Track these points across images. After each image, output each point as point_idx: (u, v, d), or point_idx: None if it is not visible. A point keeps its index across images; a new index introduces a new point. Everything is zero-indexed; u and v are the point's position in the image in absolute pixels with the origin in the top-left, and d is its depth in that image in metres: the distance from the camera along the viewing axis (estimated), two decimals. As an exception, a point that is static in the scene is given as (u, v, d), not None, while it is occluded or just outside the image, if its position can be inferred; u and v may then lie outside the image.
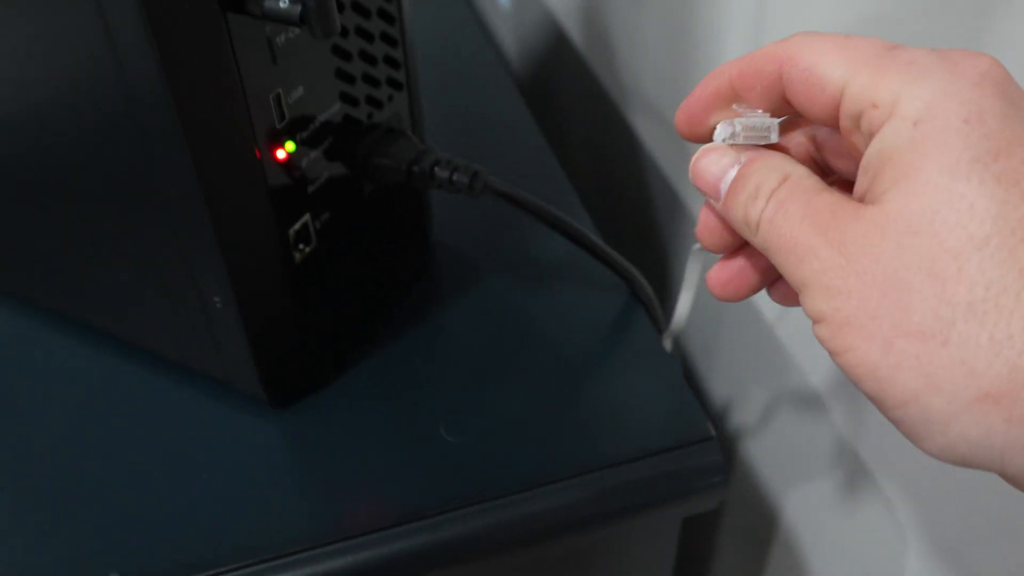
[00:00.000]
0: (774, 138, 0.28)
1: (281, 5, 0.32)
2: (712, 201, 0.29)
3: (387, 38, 0.41)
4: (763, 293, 0.31)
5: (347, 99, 0.40)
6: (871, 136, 0.25)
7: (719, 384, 0.64)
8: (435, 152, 0.43)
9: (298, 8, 0.32)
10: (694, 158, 0.29)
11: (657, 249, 0.70)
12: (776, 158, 0.27)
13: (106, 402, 0.46)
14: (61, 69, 0.35)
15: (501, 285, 0.51)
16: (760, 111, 0.28)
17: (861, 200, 0.25)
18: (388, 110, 0.43)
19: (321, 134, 0.39)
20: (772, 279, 0.30)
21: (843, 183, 0.28)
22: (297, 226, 0.40)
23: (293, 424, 0.45)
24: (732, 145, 0.28)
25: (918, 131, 0.23)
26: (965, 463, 0.23)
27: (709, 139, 0.29)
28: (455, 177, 0.42)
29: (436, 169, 0.42)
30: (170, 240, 0.38)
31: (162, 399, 0.46)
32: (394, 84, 0.43)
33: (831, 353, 0.25)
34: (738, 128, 0.28)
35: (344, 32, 0.39)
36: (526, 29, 0.92)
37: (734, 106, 0.29)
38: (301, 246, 0.41)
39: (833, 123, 0.26)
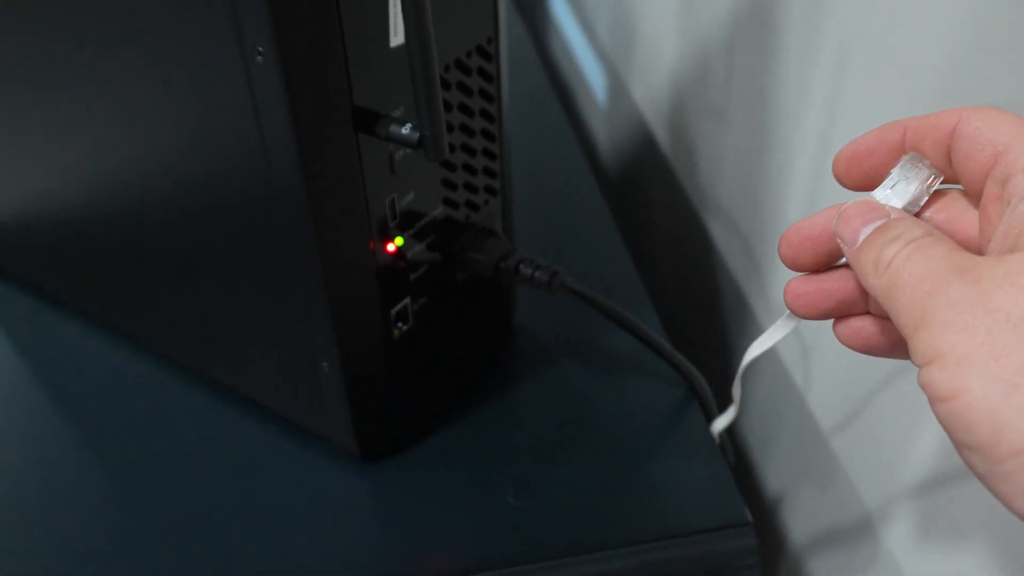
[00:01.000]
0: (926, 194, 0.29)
1: (403, 131, 0.39)
2: (844, 246, 0.29)
3: (487, 153, 0.49)
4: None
5: (449, 203, 0.47)
6: (1010, 200, 0.25)
7: (774, 476, 0.68)
8: (520, 252, 0.49)
9: (416, 135, 0.39)
10: (847, 204, 0.29)
11: (720, 346, 0.75)
12: (922, 223, 0.28)
13: (204, 443, 0.53)
14: (216, 151, 0.42)
15: (571, 369, 0.57)
16: (929, 163, 0.29)
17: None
18: (483, 212, 0.50)
19: (425, 231, 0.46)
20: (848, 311, 0.31)
21: None
22: (398, 307, 0.47)
23: (379, 479, 0.51)
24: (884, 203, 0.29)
25: None
26: None
27: (863, 185, 0.31)
28: (536, 275, 0.48)
29: (520, 267, 0.48)
30: (289, 310, 0.46)
31: (259, 445, 0.53)
32: (490, 191, 0.50)
33: (938, 399, 0.24)
34: (916, 176, 0.29)
35: (451, 148, 0.46)
36: (618, 125, 0.99)
37: (905, 157, 0.30)
38: (400, 324, 0.48)
39: (979, 187, 0.27)
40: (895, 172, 0.30)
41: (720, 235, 0.73)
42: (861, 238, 0.28)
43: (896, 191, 0.30)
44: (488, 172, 0.49)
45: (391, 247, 0.45)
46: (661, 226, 0.89)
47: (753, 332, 0.68)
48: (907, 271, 0.26)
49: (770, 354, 0.62)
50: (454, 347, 0.53)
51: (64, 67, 0.45)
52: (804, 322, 0.33)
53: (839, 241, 0.29)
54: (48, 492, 0.51)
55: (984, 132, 0.27)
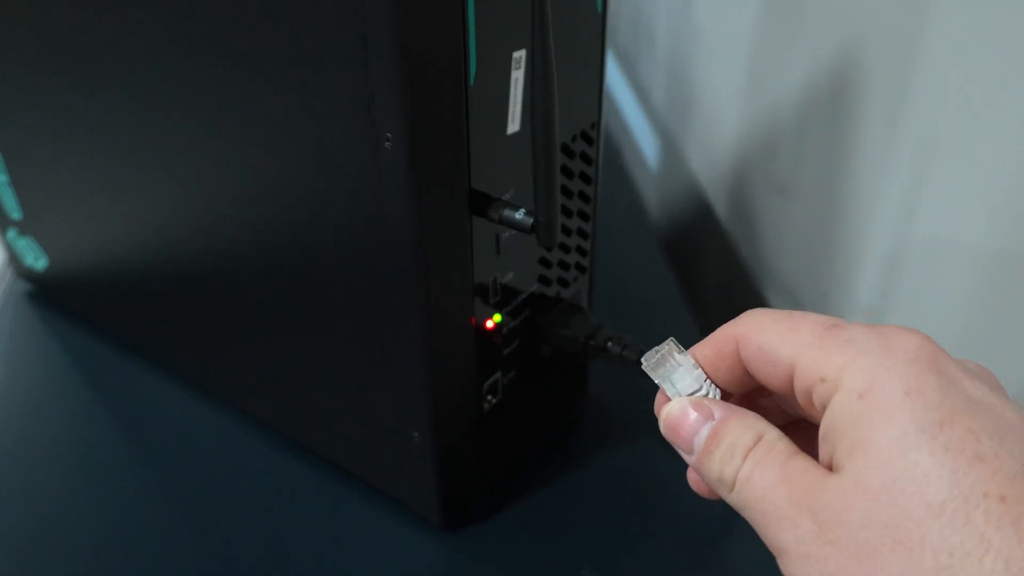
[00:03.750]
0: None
1: (516, 216, 0.40)
2: (684, 455, 0.31)
3: (581, 232, 0.50)
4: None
5: (543, 280, 0.48)
6: (823, 407, 0.27)
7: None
8: (607, 329, 0.50)
9: (530, 220, 0.40)
10: (665, 409, 0.31)
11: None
12: (749, 417, 0.29)
13: (281, 501, 0.54)
14: (332, 219, 0.43)
15: (645, 443, 0.57)
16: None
17: (828, 466, 0.27)
18: (572, 288, 0.51)
19: (520, 308, 0.47)
20: None
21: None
22: (490, 381, 0.48)
23: (457, 546, 0.51)
24: (705, 399, 0.30)
25: (864, 404, 0.26)
26: None
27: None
28: (624, 353, 0.49)
29: (609, 344, 0.49)
30: (385, 378, 0.46)
31: (337, 505, 0.53)
32: (580, 268, 0.51)
33: None
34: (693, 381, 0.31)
35: (552, 230, 0.47)
36: (670, 189, 1.00)
37: (665, 346, 0.31)
38: (490, 397, 0.48)
39: (791, 393, 0.29)
40: (672, 359, 0.31)
41: (779, 306, 0.74)
42: (697, 448, 0.30)
43: (686, 374, 0.31)
44: (580, 250, 0.50)
45: (490, 323, 0.46)
46: (714, 291, 0.89)
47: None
48: (751, 498, 0.28)
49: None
50: (535, 419, 0.54)
51: (179, 122, 0.47)
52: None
53: (677, 449, 0.31)
54: (126, 550, 0.52)
55: (766, 351, 0.29)
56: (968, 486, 0.24)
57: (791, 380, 0.28)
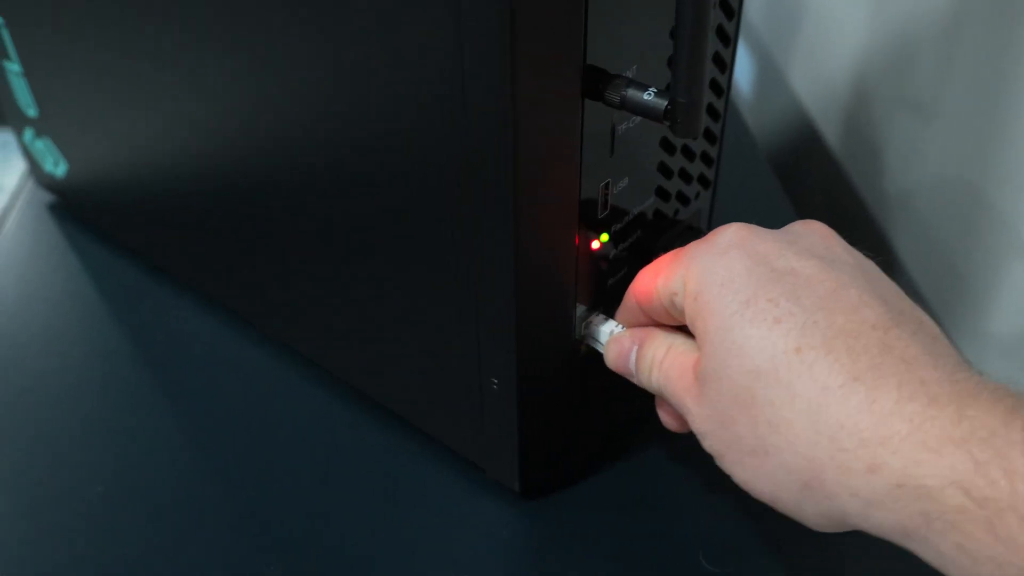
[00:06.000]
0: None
1: (645, 97, 0.30)
2: (630, 378, 0.36)
3: (708, 135, 0.39)
4: None
5: (661, 194, 0.38)
6: (683, 313, 0.33)
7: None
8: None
9: (663, 103, 0.30)
10: (604, 352, 0.38)
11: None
12: (658, 334, 0.35)
13: (339, 456, 0.45)
14: (398, 99, 0.33)
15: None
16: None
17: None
18: (692, 207, 0.41)
19: (630, 228, 0.38)
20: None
21: None
22: (591, 317, 0.38)
23: (537, 517, 0.42)
24: (625, 332, 0.37)
25: (698, 303, 0.31)
26: (837, 530, 0.28)
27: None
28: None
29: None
30: (463, 309, 0.37)
31: (408, 468, 0.44)
32: (703, 182, 0.41)
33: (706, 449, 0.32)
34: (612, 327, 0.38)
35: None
36: (768, 116, 0.89)
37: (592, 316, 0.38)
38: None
39: (670, 319, 0.34)
40: (593, 324, 0.38)
41: (906, 243, 0.63)
42: (633, 370, 0.36)
43: (600, 326, 0.38)
44: (706, 159, 0.40)
45: (595, 244, 0.36)
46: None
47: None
48: (667, 395, 0.34)
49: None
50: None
51: (217, 12, 0.37)
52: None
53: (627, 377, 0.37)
54: (148, 505, 0.43)
55: (646, 290, 0.35)
56: (771, 347, 0.29)
57: (663, 306, 0.34)
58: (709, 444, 0.31)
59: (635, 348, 0.36)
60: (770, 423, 0.28)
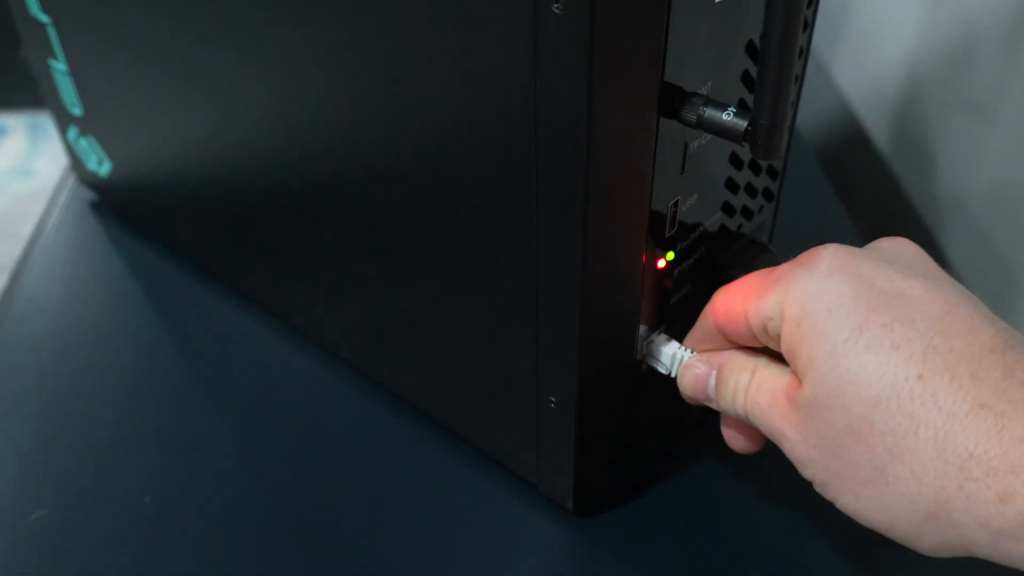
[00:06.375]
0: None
1: (724, 117, 0.29)
2: (710, 405, 0.35)
3: (776, 148, 0.38)
4: None
5: (727, 209, 0.37)
6: (779, 339, 0.31)
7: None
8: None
9: (743, 124, 0.29)
10: (679, 378, 0.36)
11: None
12: (739, 356, 0.34)
13: (398, 474, 0.44)
14: (470, 110, 0.33)
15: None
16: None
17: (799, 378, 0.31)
18: (755, 221, 0.40)
19: (696, 245, 0.36)
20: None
21: None
22: (652, 336, 0.37)
23: (589, 535, 0.41)
24: (703, 354, 0.36)
25: (801, 329, 0.30)
26: (955, 556, 0.28)
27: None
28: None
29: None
30: (524, 326, 0.36)
31: (459, 482, 0.44)
32: (768, 195, 0.40)
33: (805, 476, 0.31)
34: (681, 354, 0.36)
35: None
36: (814, 114, 0.88)
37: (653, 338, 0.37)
38: (649, 356, 0.38)
39: (758, 342, 0.33)
40: (654, 345, 0.37)
41: (957, 249, 0.62)
42: (711, 393, 0.35)
43: (662, 346, 0.37)
44: (771, 172, 0.39)
45: (662, 262, 0.35)
46: (868, 223, 0.77)
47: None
48: (757, 422, 0.33)
49: None
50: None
51: (273, 11, 0.36)
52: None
53: (704, 404, 0.36)
54: (189, 509, 0.43)
55: (729, 315, 0.33)
56: (891, 375, 0.28)
57: (752, 330, 0.33)
58: (812, 473, 0.30)
59: (713, 374, 0.35)
60: (891, 453, 0.27)
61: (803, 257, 0.31)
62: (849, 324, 0.29)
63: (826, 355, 0.29)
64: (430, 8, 0.30)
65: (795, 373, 0.31)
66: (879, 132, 0.73)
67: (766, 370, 0.33)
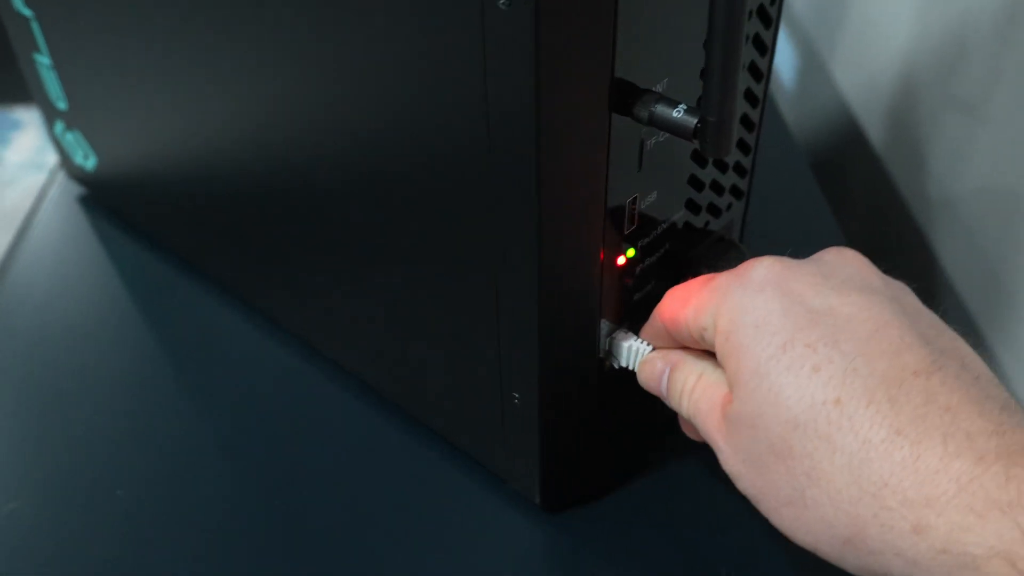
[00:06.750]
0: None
1: (674, 114, 0.29)
2: (662, 399, 0.35)
3: (742, 145, 0.38)
4: None
5: (691, 206, 0.37)
6: (711, 343, 0.31)
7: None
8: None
9: (693, 121, 0.29)
10: (638, 370, 0.36)
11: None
12: (690, 360, 0.34)
13: (372, 467, 0.44)
14: (420, 110, 0.33)
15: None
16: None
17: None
18: (723, 218, 0.40)
19: (659, 241, 0.36)
20: None
21: None
22: (615, 333, 0.37)
23: (558, 532, 0.41)
24: (660, 350, 0.36)
25: (729, 343, 0.30)
26: None
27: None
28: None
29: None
30: (483, 324, 0.36)
31: (431, 476, 0.44)
32: (736, 193, 0.40)
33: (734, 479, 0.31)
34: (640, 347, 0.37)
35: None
36: (811, 111, 0.87)
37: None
38: (613, 353, 0.38)
39: (700, 347, 0.33)
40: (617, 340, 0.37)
41: (949, 249, 0.61)
42: (663, 392, 0.35)
43: (623, 342, 0.37)
44: (739, 170, 0.39)
45: (621, 259, 0.35)
46: (861, 222, 0.77)
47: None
48: (699, 426, 0.33)
49: None
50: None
51: (247, 10, 0.37)
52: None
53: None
54: (176, 503, 0.43)
55: (674, 320, 0.33)
56: (810, 397, 0.27)
57: (692, 337, 0.33)
58: (743, 487, 0.30)
59: (667, 371, 0.35)
60: (808, 476, 0.27)
61: (740, 268, 0.31)
62: (774, 342, 0.28)
63: (751, 372, 0.28)
64: (383, 5, 0.30)
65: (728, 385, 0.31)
66: (874, 130, 0.73)
67: (711, 376, 0.33)
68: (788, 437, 0.27)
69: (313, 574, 0.40)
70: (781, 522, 0.29)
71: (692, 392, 0.33)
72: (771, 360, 0.28)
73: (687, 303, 0.32)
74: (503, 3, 0.26)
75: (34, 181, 2.01)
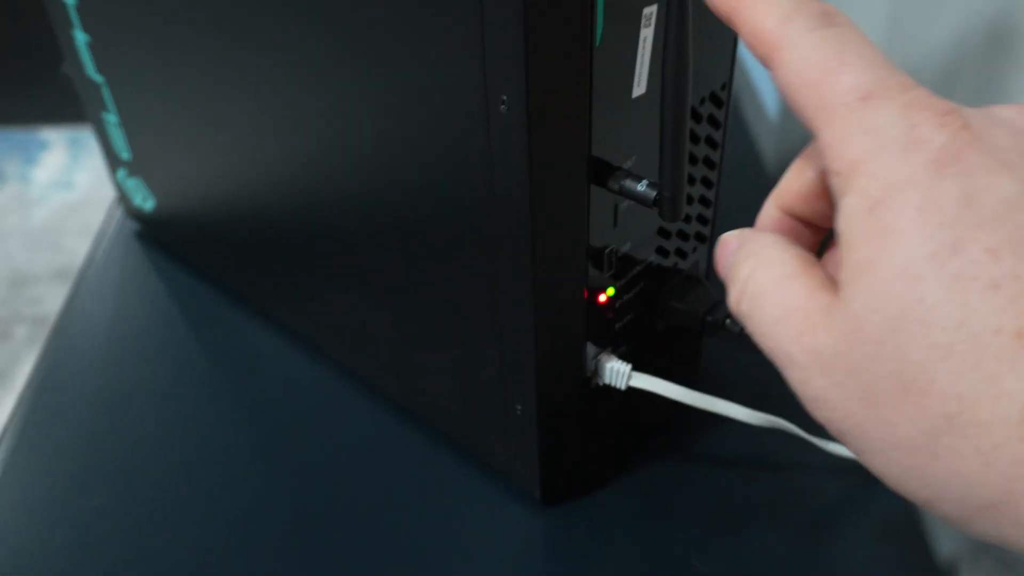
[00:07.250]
0: None
1: (638, 187, 0.37)
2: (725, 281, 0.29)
3: (703, 200, 0.46)
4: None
5: (661, 251, 0.45)
6: (836, 205, 0.23)
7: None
8: (726, 305, 0.47)
9: (652, 193, 0.37)
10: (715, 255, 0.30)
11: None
12: (779, 241, 0.27)
13: (378, 464, 0.53)
14: (439, 182, 0.41)
15: (759, 428, 0.54)
16: None
17: (836, 273, 0.24)
18: (690, 259, 0.48)
19: (634, 281, 0.44)
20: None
21: None
22: (599, 356, 0.45)
23: (557, 522, 0.49)
24: (740, 229, 0.30)
25: (874, 219, 0.22)
26: (1009, 548, 0.22)
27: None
28: (745, 332, 0.46)
29: (728, 321, 0.46)
30: (490, 348, 0.44)
31: (439, 474, 0.52)
32: (700, 238, 0.48)
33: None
34: None
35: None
36: (793, 143, 0.94)
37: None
38: (598, 372, 0.46)
39: (808, 209, 0.29)
40: None
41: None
42: (726, 268, 0.28)
43: None
44: (701, 219, 0.47)
45: (603, 297, 0.43)
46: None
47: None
48: (758, 337, 0.26)
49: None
50: (644, 399, 0.51)
51: (290, 71, 0.45)
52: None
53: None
54: (219, 503, 0.51)
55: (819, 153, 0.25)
56: (979, 322, 0.20)
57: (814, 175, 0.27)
58: (828, 417, 0.24)
59: (736, 248, 0.28)
60: (951, 421, 0.21)
61: (917, 114, 0.22)
62: (942, 238, 0.21)
63: (897, 271, 0.21)
64: (417, 116, 0.39)
65: (837, 278, 0.23)
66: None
67: (796, 262, 0.25)
68: (932, 369, 0.21)
69: (320, 567, 0.48)
70: (887, 468, 0.23)
71: (759, 280, 0.26)
72: (932, 259, 0.21)
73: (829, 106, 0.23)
74: (504, 108, 0.35)
75: (62, 200, 2.10)
